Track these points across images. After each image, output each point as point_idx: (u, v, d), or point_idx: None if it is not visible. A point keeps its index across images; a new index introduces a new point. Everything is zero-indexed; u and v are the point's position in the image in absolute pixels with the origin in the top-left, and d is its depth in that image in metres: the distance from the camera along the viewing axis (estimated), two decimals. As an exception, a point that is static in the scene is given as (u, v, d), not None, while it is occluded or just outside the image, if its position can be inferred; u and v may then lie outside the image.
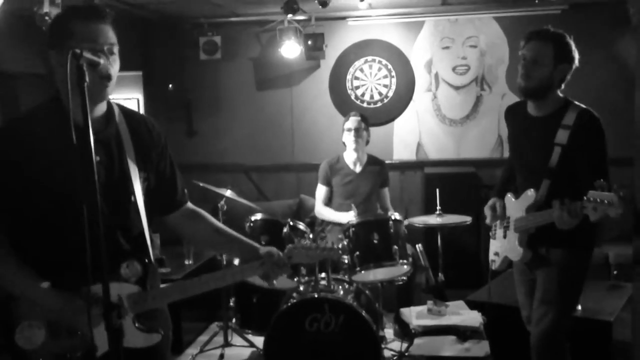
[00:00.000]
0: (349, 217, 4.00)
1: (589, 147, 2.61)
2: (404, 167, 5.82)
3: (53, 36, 1.87)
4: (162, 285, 2.07)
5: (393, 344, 3.99)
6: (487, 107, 5.71)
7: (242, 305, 3.96)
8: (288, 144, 6.06)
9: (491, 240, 3.01)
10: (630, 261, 3.57)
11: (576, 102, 2.71)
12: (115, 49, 1.87)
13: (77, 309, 1.78)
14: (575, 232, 2.48)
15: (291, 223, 3.53)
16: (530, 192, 2.71)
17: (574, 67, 2.69)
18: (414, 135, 5.85)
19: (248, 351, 4.14)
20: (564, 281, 2.70)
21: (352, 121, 4.32)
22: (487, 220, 3.02)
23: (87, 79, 1.64)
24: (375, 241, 3.42)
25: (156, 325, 1.96)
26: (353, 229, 3.50)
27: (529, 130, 2.79)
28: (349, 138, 4.31)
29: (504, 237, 2.89)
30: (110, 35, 1.86)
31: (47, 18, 3.99)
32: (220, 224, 2.23)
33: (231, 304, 4.10)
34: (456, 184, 5.21)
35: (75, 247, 1.79)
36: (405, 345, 3.86)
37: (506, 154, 5.64)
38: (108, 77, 1.84)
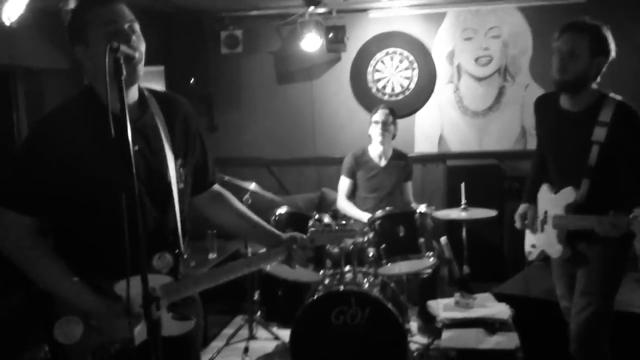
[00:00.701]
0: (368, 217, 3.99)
1: (630, 144, 2.55)
2: (425, 159, 5.79)
3: (73, 31, 1.88)
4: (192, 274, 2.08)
5: (417, 337, 3.99)
6: (510, 98, 5.66)
7: (267, 298, 3.98)
8: (309, 138, 6.05)
9: (527, 232, 2.97)
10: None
11: (611, 95, 2.64)
12: (136, 26, 1.87)
13: (116, 314, 1.79)
14: None
15: (317, 216, 3.52)
16: (570, 191, 2.65)
17: (609, 59, 2.63)
18: (435, 127, 5.81)
19: (273, 344, 4.15)
20: (606, 272, 2.68)
21: (381, 114, 4.30)
22: (517, 225, 2.98)
23: (124, 72, 1.65)
24: (401, 234, 3.41)
25: (189, 313, 1.98)
26: (379, 221, 3.49)
27: (563, 125, 2.73)
28: (375, 130, 4.29)
29: (541, 230, 2.85)
30: (127, 12, 1.86)
31: (72, 14, 4.02)
32: (244, 209, 2.26)
33: (256, 297, 4.11)
34: (479, 176, 5.15)
35: (112, 238, 1.81)
36: (430, 338, 3.87)
37: (530, 146, 5.63)
38: (139, 60, 1.84)
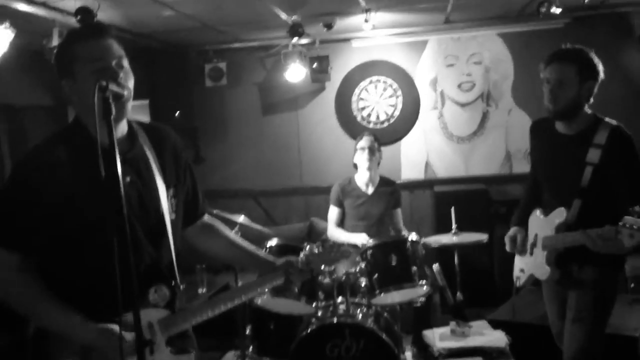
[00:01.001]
0: (362, 239, 3.97)
1: (624, 166, 2.56)
2: (413, 186, 5.80)
3: (60, 65, 1.85)
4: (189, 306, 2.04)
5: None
6: (493, 123, 5.71)
7: (258, 333, 3.90)
8: (296, 168, 6.05)
9: (516, 256, 2.96)
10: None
11: (607, 119, 2.66)
12: (125, 62, 1.84)
13: (113, 343, 1.74)
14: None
15: (307, 247, 3.48)
16: (561, 211, 2.65)
17: (599, 80, 2.66)
18: (421, 154, 5.84)
19: (265, 379, 4.06)
20: (598, 299, 2.66)
21: (366, 140, 4.30)
22: (508, 249, 2.97)
23: (113, 111, 1.64)
24: (394, 263, 3.38)
25: (187, 346, 1.94)
26: (370, 251, 3.46)
27: (558, 148, 2.75)
28: (362, 157, 4.29)
29: (531, 254, 2.84)
30: (115, 48, 1.83)
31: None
32: (237, 237, 2.25)
33: (247, 331, 4.03)
34: (467, 201, 5.17)
35: (104, 275, 1.77)
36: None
37: (515, 170, 5.67)
38: (128, 97, 1.82)
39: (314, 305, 3.52)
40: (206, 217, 2.22)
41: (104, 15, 3.96)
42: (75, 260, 1.82)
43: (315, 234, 5.47)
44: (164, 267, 1.94)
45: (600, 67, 2.66)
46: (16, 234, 1.77)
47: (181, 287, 2.01)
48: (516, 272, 2.96)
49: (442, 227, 5.01)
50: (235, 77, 5.94)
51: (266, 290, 2.15)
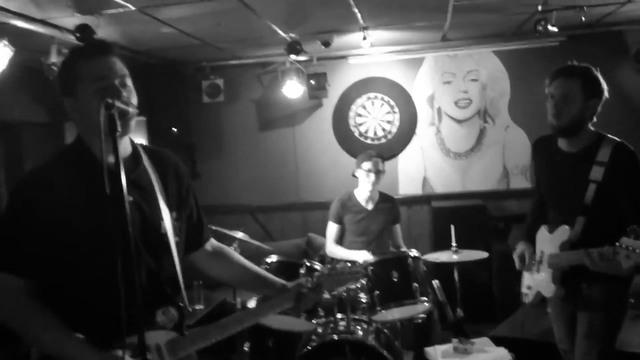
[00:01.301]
0: (362, 256, 3.95)
1: (628, 183, 2.54)
2: (410, 201, 5.80)
3: (63, 83, 1.84)
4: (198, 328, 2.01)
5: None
6: (491, 140, 5.74)
7: (257, 350, 3.87)
8: (293, 184, 6.05)
9: (524, 273, 2.94)
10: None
11: (610, 136, 2.65)
12: (128, 80, 1.83)
13: None
14: None
15: (308, 264, 3.48)
16: (565, 229, 2.64)
17: (603, 99, 2.65)
18: (419, 169, 5.85)
19: (265, 397, 4.02)
20: (609, 315, 2.63)
21: (375, 163, 4.26)
22: (517, 267, 2.93)
23: (119, 128, 1.63)
24: (395, 279, 3.36)
25: None
26: (371, 267, 3.44)
27: (562, 165, 2.74)
28: (368, 179, 4.25)
29: (538, 271, 2.83)
30: (119, 67, 1.82)
31: (54, 68, 4.01)
32: (245, 260, 2.22)
33: (246, 348, 4.00)
34: (465, 217, 5.16)
35: (109, 297, 1.75)
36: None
37: (512, 186, 5.70)
38: (133, 115, 1.81)
39: (314, 321, 3.49)
40: (213, 241, 2.20)
41: (103, 32, 3.96)
42: (78, 281, 1.79)
43: (313, 250, 5.46)
44: (169, 288, 1.92)
45: (605, 86, 2.65)
46: (19, 259, 1.74)
47: (190, 309, 1.98)
48: (524, 289, 2.93)
49: (440, 242, 5.00)
50: (233, 93, 5.95)
51: (276, 312, 2.12)
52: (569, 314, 2.81)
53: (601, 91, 2.64)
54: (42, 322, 1.74)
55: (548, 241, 2.78)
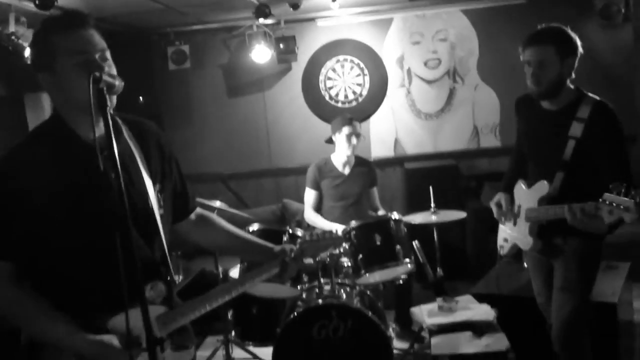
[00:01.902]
0: (339, 230, 3.94)
1: (606, 140, 2.58)
2: (383, 164, 5.82)
3: (38, 57, 1.74)
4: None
5: (395, 343, 3.97)
6: (460, 99, 5.77)
7: (241, 318, 3.88)
8: (264, 150, 5.99)
9: (500, 226, 3.02)
10: (619, 240, 3.64)
11: (590, 94, 2.68)
12: (108, 54, 1.75)
13: (114, 350, 1.68)
14: None
15: (290, 231, 3.47)
16: (544, 184, 2.69)
17: (579, 55, 2.67)
18: (390, 131, 5.86)
19: (250, 363, 4.06)
20: (584, 267, 2.72)
21: (354, 126, 4.23)
22: (495, 215, 3.00)
23: (109, 102, 1.57)
24: (378, 243, 3.39)
25: (186, 342, 1.89)
26: (354, 232, 3.46)
27: (542, 123, 2.78)
28: (346, 143, 4.22)
29: (514, 224, 2.89)
30: (98, 39, 1.73)
31: (13, 38, 3.84)
32: (232, 227, 2.19)
33: (229, 316, 4.01)
34: (438, 177, 5.21)
35: (101, 273, 1.73)
36: (408, 343, 3.88)
37: (483, 144, 5.77)
38: (119, 88, 1.72)
39: (298, 287, 3.52)
40: (198, 210, 2.17)
41: (63, -1, 3.80)
42: (67, 261, 1.75)
43: (289, 216, 5.46)
44: (157, 262, 1.89)
45: (578, 42, 2.68)
46: (5, 243, 1.70)
47: (177, 282, 1.96)
48: (500, 241, 3.01)
49: (414, 203, 5.05)
50: (199, 59, 5.81)
51: (263, 280, 2.11)
52: (545, 267, 2.89)
53: (575, 48, 2.67)
54: (30, 307, 1.70)
55: (526, 195, 2.84)
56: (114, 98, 1.76)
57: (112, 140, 1.56)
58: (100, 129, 1.75)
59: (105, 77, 1.60)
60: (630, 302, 3.75)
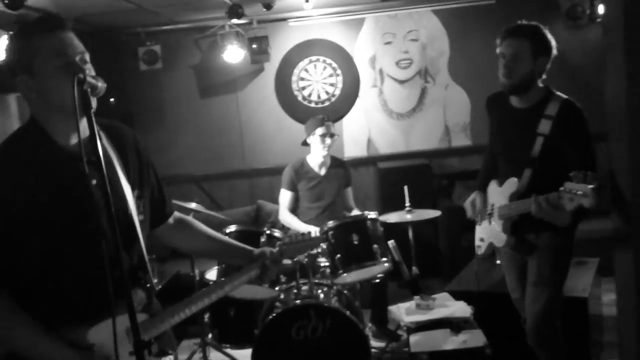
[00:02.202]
0: (313, 231, 3.96)
1: (573, 137, 2.65)
2: (356, 163, 5.85)
3: (16, 59, 1.71)
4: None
5: (371, 342, 4.00)
6: (432, 99, 5.84)
7: (218, 320, 3.86)
8: (238, 150, 5.97)
9: (476, 227, 3.08)
10: (588, 236, 3.74)
11: (558, 93, 2.76)
12: (87, 57, 1.74)
13: None
14: None
15: (268, 232, 3.48)
16: (513, 181, 2.76)
17: (552, 56, 2.75)
18: (363, 131, 5.90)
19: (226, 366, 4.04)
20: (556, 262, 2.79)
21: (328, 127, 4.25)
22: (468, 214, 3.07)
23: (93, 105, 1.56)
24: (356, 242, 3.42)
25: (167, 347, 1.88)
26: (332, 232, 3.48)
27: (512, 121, 2.85)
28: (321, 144, 4.23)
29: (489, 223, 2.96)
30: (77, 43, 1.72)
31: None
32: (211, 230, 2.18)
33: (206, 319, 3.99)
34: (411, 176, 5.25)
35: (80, 282, 1.71)
36: (384, 342, 3.92)
37: (454, 143, 5.86)
38: (101, 90, 1.71)
39: (276, 288, 3.52)
40: (176, 214, 2.16)
41: (31, -2, 3.73)
42: (46, 271, 1.71)
43: (263, 217, 5.45)
44: (137, 269, 1.88)
45: (553, 43, 2.75)
46: None
47: (156, 288, 1.96)
48: (476, 241, 3.08)
49: (388, 203, 5.11)
50: (171, 60, 5.76)
51: (243, 283, 2.11)
52: (519, 263, 2.96)
53: (549, 49, 2.74)
54: (12, 320, 1.67)
55: (498, 194, 2.91)
56: (95, 100, 1.74)
57: (96, 144, 1.55)
58: (82, 133, 1.74)
59: (89, 79, 1.59)
60: (599, 297, 3.85)
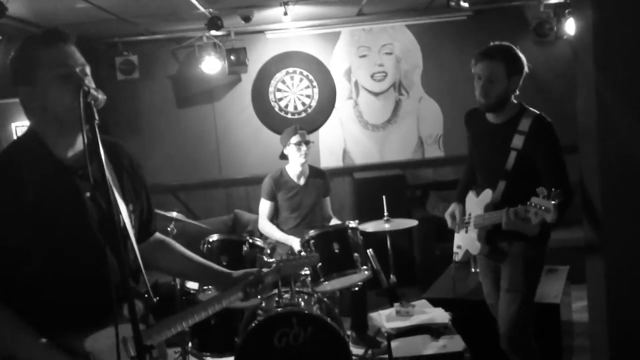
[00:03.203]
0: (295, 243, 4.03)
1: (544, 151, 2.77)
2: (332, 174, 5.87)
3: (20, 71, 1.76)
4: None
5: (351, 349, 4.07)
6: (406, 111, 5.98)
7: (198, 329, 3.87)
8: (214, 161, 6.01)
9: (455, 234, 3.21)
10: (559, 245, 3.88)
11: (530, 109, 2.89)
12: (88, 69, 1.80)
13: None
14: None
15: (250, 240, 3.53)
16: (488, 192, 2.90)
17: (524, 74, 2.89)
18: (339, 142, 6.00)
19: (206, 374, 4.05)
20: (528, 270, 2.90)
21: (302, 134, 4.34)
22: (449, 225, 3.20)
23: (97, 117, 1.61)
24: (337, 251, 3.49)
25: (159, 357, 1.92)
26: (313, 240, 3.54)
27: (488, 136, 2.98)
28: (297, 152, 4.31)
29: (466, 232, 3.10)
30: (78, 56, 1.79)
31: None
32: (189, 252, 2.20)
33: (186, 327, 3.99)
34: (386, 186, 5.35)
35: (77, 292, 1.76)
36: (364, 349, 3.99)
37: (427, 155, 5.99)
38: (102, 102, 1.75)
39: (258, 297, 3.55)
40: (157, 234, 2.18)
41: (12, 7, 3.73)
42: (44, 280, 1.75)
43: (241, 227, 5.49)
44: (133, 281, 1.92)
45: (525, 62, 2.89)
46: None
47: (155, 300, 1.99)
48: (455, 248, 3.21)
49: (364, 212, 5.18)
50: (148, 70, 5.77)
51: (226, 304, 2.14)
52: (494, 271, 3.09)
53: (522, 67, 2.88)
54: (8, 325, 1.70)
55: (475, 204, 3.05)
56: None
57: (100, 156, 1.60)
58: (78, 147, 1.79)
59: (92, 91, 1.64)
60: (569, 304, 3.99)
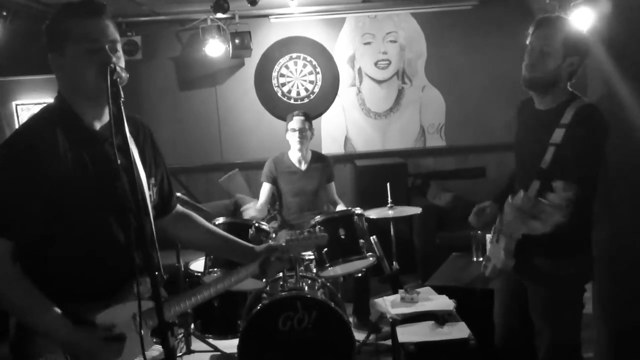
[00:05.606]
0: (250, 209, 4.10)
1: (579, 144, 2.34)
2: (333, 160, 5.91)
3: (51, 37, 1.79)
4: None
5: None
6: (408, 100, 5.98)
7: (202, 311, 3.90)
8: (216, 144, 5.99)
9: (487, 245, 2.96)
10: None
11: (582, 98, 2.45)
12: (119, 46, 1.81)
13: (95, 346, 1.71)
14: (562, 237, 2.35)
15: (256, 224, 3.53)
16: (520, 194, 2.47)
17: (585, 60, 2.45)
18: (341, 129, 6.00)
19: (207, 356, 4.08)
20: (554, 294, 2.46)
21: (297, 121, 4.34)
22: (469, 219, 2.80)
23: (122, 94, 1.61)
24: (343, 236, 3.50)
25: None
26: (319, 226, 3.55)
27: (532, 124, 2.58)
28: (293, 138, 4.33)
29: (497, 241, 2.65)
30: (111, 31, 1.79)
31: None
32: (212, 226, 2.25)
33: (189, 310, 4.01)
34: (387, 174, 5.36)
35: (100, 258, 1.78)
36: (366, 334, 4.02)
37: (429, 144, 6.01)
38: (124, 81, 1.75)
39: (263, 280, 3.57)
40: (179, 207, 2.21)
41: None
42: (71, 246, 1.77)
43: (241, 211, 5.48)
44: (150, 255, 1.93)
45: (589, 47, 2.47)
46: (10, 221, 1.69)
47: (165, 277, 2.00)
48: (485, 259, 2.78)
49: (365, 199, 5.19)
50: (151, 51, 5.74)
51: (243, 280, 2.15)
52: (513, 287, 2.66)
53: (584, 51, 2.43)
54: (23, 291, 1.70)
55: (508, 209, 2.58)
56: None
57: (124, 129, 1.60)
58: (105, 119, 1.80)
59: (119, 69, 1.64)
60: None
